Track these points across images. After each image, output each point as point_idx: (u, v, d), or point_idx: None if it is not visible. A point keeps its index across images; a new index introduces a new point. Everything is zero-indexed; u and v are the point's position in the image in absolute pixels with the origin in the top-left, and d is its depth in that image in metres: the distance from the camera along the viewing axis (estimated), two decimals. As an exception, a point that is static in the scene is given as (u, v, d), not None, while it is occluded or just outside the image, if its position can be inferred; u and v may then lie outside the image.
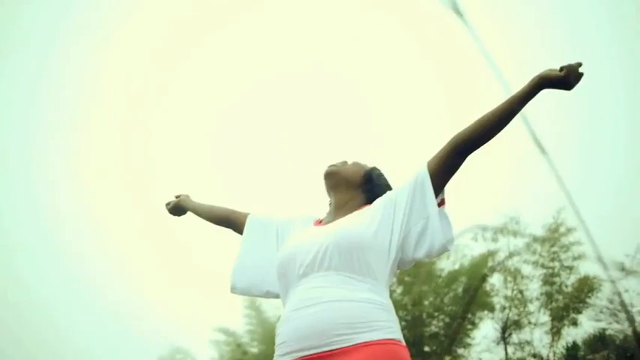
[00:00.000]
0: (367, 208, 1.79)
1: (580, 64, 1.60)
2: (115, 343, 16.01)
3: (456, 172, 1.73)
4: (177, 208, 2.31)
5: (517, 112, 1.64)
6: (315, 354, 1.53)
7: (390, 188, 1.91)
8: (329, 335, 1.52)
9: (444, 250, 1.69)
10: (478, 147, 1.70)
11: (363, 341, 1.51)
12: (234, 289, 1.97)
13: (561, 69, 1.60)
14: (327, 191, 1.94)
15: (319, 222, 1.91)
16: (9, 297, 16.47)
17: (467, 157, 1.72)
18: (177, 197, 2.33)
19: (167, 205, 2.33)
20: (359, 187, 1.88)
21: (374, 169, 1.95)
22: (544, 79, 1.62)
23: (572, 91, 1.63)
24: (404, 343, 1.60)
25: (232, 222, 2.12)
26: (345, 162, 1.93)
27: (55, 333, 16.22)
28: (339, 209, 1.85)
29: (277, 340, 1.65)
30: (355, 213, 1.79)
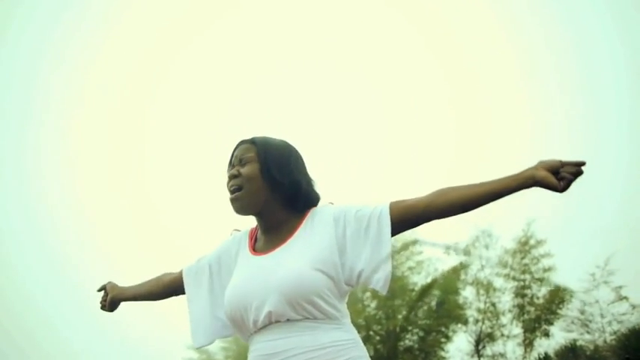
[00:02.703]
0: (303, 232, 1.64)
1: (583, 164, 1.45)
2: (103, 351, 15.93)
3: (413, 228, 1.63)
4: (115, 304, 2.10)
5: (492, 201, 1.52)
6: None
7: (288, 166, 1.69)
8: None
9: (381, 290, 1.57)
10: (447, 217, 1.58)
11: None
12: (199, 347, 1.87)
13: (560, 178, 1.45)
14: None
15: (253, 241, 1.75)
16: (6, 300, 16.31)
17: (430, 221, 1.61)
18: (103, 290, 2.13)
19: (102, 307, 2.12)
20: (269, 197, 1.67)
21: (266, 160, 1.67)
22: (538, 183, 1.47)
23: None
24: None
25: (176, 287, 1.94)
26: (239, 179, 1.67)
27: (49, 334, 16.12)
28: (269, 230, 1.70)
29: None
30: (294, 237, 1.64)
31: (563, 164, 1.46)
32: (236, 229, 1.85)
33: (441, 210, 1.56)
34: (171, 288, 1.96)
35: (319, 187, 1.77)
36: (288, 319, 1.54)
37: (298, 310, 1.53)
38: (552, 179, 1.45)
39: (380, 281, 1.55)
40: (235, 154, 1.73)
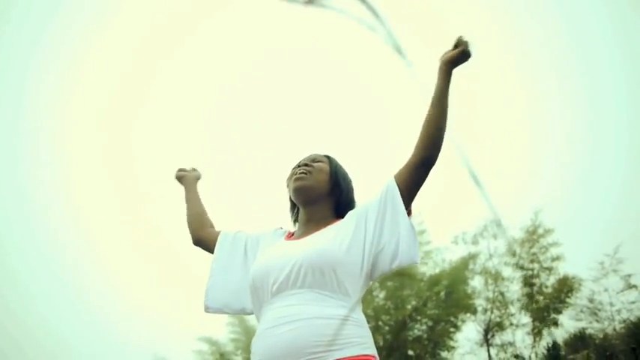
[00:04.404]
0: (339, 224, 1.79)
1: (460, 37, 1.76)
2: (103, 348, 16.04)
3: (422, 183, 1.72)
4: (181, 179, 2.27)
5: (448, 103, 1.73)
6: None
7: (351, 184, 1.93)
8: (303, 354, 1.53)
9: (412, 264, 1.68)
10: (436, 152, 1.70)
11: (337, 358, 1.52)
12: (207, 309, 1.94)
13: (456, 46, 1.75)
14: (296, 203, 1.92)
15: (290, 235, 1.90)
16: (7, 301, 16.45)
17: (430, 166, 1.70)
18: (193, 170, 2.29)
19: (179, 170, 2.30)
20: (327, 195, 1.87)
21: (336, 168, 1.91)
22: (449, 63, 1.75)
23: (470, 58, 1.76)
24: (377, 358, 1.61)
25: (206, 241, 2.06)
26: (310, 167, 1.88)
27: (50, 334, 16.26)
28: (310, 222, 1.85)
29: (252, 359, 1.66)
30: (328, 227, 1.79)
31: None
32: (281, 227, 1.99)
33: (423, 145, 1.71)
34: (201, 236, 2.08)
35: None
36: (303, 286, 1.62)
37: (316, 276, 1.62)
38: (453, 52, 1.75)
39: (406, 252, 1.65)
40: (307, 155, 1.95)
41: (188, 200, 2.18)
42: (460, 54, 1.74)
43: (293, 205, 1.98)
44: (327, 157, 1.94)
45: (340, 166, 1.93)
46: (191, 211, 2.15)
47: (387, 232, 1.68)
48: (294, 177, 1.86)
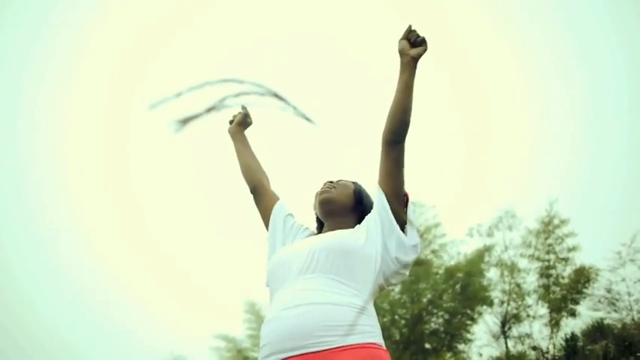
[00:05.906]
0: (357, 227, 1.85)
1: (409, 26, 1.80)
2: (119, 350, 16.12)
3: (401, 163, 1.78)
4: (240, 121, 2.26)
5: (413, 92, 1.76)
6: (296, 355, 1.55)
7: (372, 202, 1.99)
8: (311, 337, 1.55)
9: (415, 255, 1.75)
10: (404, 130, 1.75)
11: (344, 344, 1.54)
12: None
13: (408, 37, 1.78)
14: (320, 216, 1.98)
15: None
16: (9, 302, 16.57)
17: (401, 142, 1.76)
18: (244, 114, 2.28)
19: (229, 124, 2.29)
20: (351, 209, 1.93)
21: (360, 187, 1.99)
22: (409, 59, 1.76)
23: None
24: (384, 347, 1.63)
25: (260, 191, 2.11)
26: (333, 184, 1.96)
27: (53, 337, 16.37)
28: (333, 228, 1.91)
29: (261, 342, 1.68)
30: (342, 230, 1.85)
31: (405, 37, 1.79)
32: (314, 232, 2.05)
33: (389, 139, 1.77)
34: (262, 189, 2.12)
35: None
36: (315, 271, 1.67)
37: (329, 262, 1.67)
38: (416, 50, 1.77)
39: (405, 247, 1.72)
40: (334, 177, 2.02)
41: (236, 151, 2.22)
42: (424, 51, 1.78)
43: (320, 225, 2.03)
44: (353, 182, 2.01)
45: (361, 187, 2.00)
46: (240, 163, 2.19)
47: (387, 233, 1.74)
48: (319, 191, 1.95)
